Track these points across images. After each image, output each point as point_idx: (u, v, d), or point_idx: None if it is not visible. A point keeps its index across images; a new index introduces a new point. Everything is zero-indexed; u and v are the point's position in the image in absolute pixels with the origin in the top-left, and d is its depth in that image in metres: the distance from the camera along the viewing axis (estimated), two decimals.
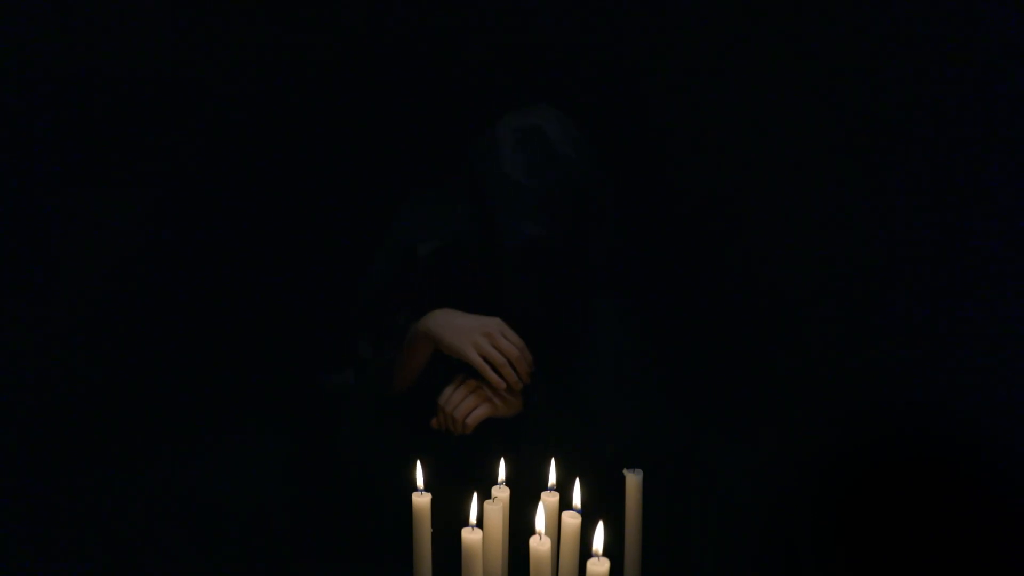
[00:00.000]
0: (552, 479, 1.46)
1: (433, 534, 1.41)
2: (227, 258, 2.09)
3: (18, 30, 1.87)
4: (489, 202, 1.62)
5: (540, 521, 1.33)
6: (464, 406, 1.63)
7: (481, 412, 1.63)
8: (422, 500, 1.41)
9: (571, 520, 1.38)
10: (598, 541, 1.32)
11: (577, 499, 1.40)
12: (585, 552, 1.34)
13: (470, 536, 1.34)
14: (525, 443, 1.65)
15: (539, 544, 1.32)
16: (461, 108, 2.03)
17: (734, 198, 1.97)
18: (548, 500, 1.43)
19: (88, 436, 1.96)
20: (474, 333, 1.62)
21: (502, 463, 1.49)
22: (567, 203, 1.62)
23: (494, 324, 1.63)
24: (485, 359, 1.61)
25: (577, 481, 1.41)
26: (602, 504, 1.43)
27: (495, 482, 1.46)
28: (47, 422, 1.94)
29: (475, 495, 1.38)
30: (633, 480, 1.43)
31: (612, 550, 1.37)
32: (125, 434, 1.98)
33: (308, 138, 2.08)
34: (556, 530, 1.42)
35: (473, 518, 1.36)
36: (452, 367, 1.68)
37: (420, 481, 1.43)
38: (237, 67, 2.03)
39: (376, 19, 2.04)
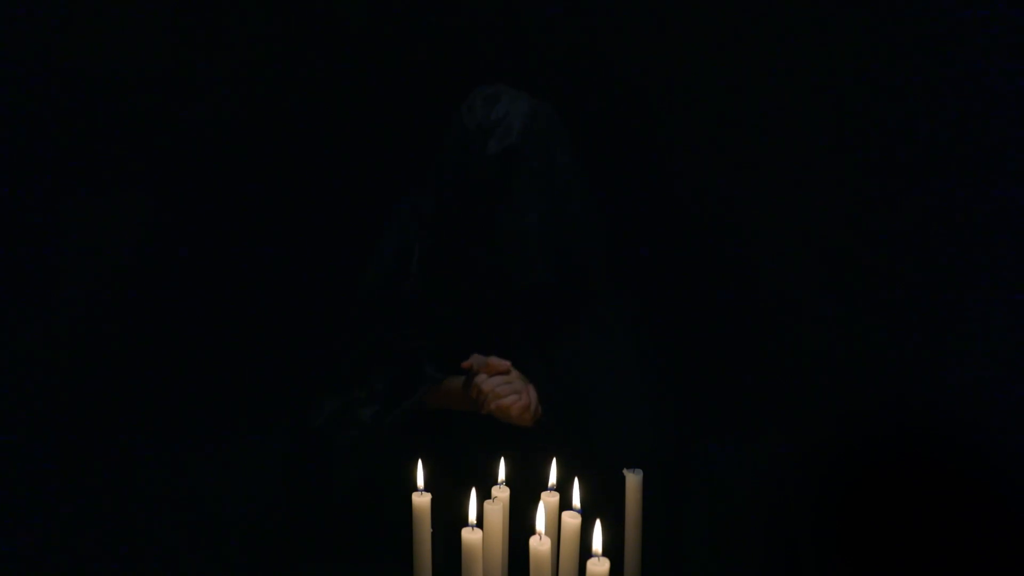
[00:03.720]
0: (552, 479, 1.46)
1: (433, 534, 1.41)
2: (225, 260, 2.09)
3: (17, 30, 1.87)
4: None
5: (540, 521, 1.33)
6: (497, 390, 1.66)
7: (508, 402, 1.66)
8: (422, 500, 1.40)
9: (571, 520, 1.38)
10: (597, 541, 1.32)
11: (577, 499, 1.40)
12: (585, 552, 1.34)
13: (470, 536, 1.34)
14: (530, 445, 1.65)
15: (539, 544, 1.31)
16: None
17: (734, 198, 1.97)
18: (548, 500, 1.43)
19: (87, 437, 1.96)
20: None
21: (502, 463, 1.49)
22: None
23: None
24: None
25: (577, 481, 1.41)
26: (602, 504, 1.43)
27: (495, 482, 1.46)
28: (46, 423, 1.94)
29: (474, 495, 1.38)
30: (633, 480, 1.43)
31: (612, 550, 1.37)
32: (124, 435, 1.98)
33: (310, 141, 2.08)
34: (556, 530, 1.42)
35: (473, 518, 1.36)
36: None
37: (420, 481, 1.43)
38: (236, 69, 2.03)
39: (372, 19, 2.04)
